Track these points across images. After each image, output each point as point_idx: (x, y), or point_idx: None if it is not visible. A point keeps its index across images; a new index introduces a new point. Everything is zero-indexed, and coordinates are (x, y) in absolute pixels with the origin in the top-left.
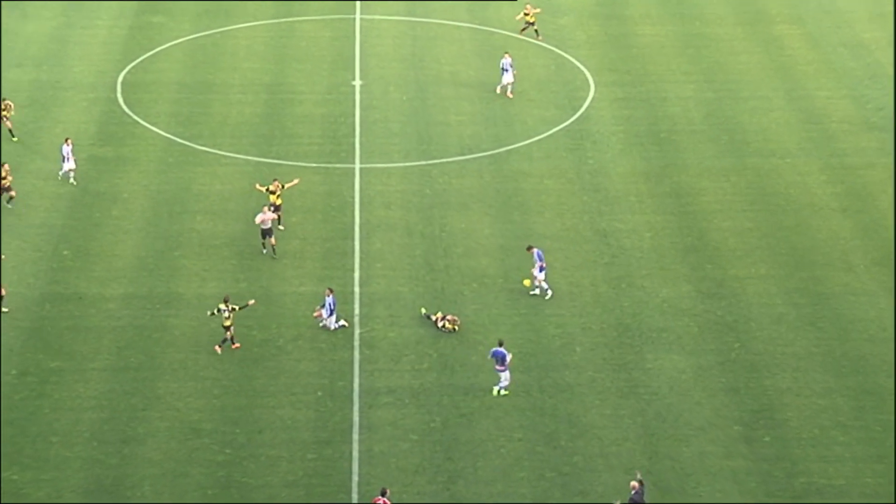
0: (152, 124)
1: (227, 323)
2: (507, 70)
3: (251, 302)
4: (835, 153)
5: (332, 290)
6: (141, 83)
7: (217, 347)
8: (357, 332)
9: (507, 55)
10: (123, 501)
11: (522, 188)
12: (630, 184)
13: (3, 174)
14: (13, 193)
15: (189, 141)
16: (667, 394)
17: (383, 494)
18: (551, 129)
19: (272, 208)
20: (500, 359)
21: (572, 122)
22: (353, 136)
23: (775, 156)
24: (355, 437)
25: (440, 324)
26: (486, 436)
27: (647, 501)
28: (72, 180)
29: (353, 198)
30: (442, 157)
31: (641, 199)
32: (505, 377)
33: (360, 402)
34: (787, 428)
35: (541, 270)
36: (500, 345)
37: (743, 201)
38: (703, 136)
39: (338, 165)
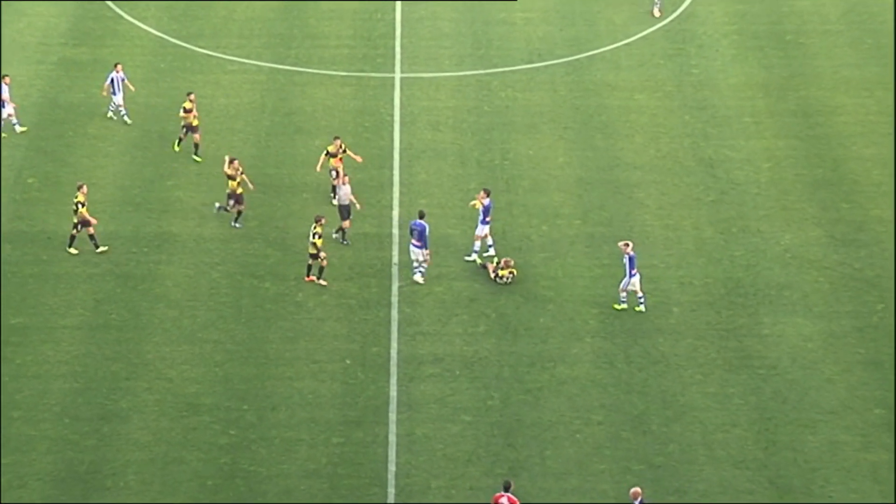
0: (139, 20)
1: (320, 246)
2: None
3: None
4: None
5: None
6: None
7: (319, 280)
8: (395, 286)
9: None
10: (101, 492)
11: (607, 105)
12: (745, 100)
13: None
14: None
15: (186, 42)
16: (788, 367)
17: (507, 489)
18: (645, 29)
19: (334, 175)
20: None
21: (672, 21)
22: (393, 38)
23: None
24: (392, 416)
25: (493, 274)
26: (558, 417)
27: None
28: (17, 127)
29: (391, 116)
30: (504, 65)
31: (759, 120)
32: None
33: (398, 374)
34: None
35: (484, 223)
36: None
37: (889, 122)
38: (841, 39)
39: (373, 75)
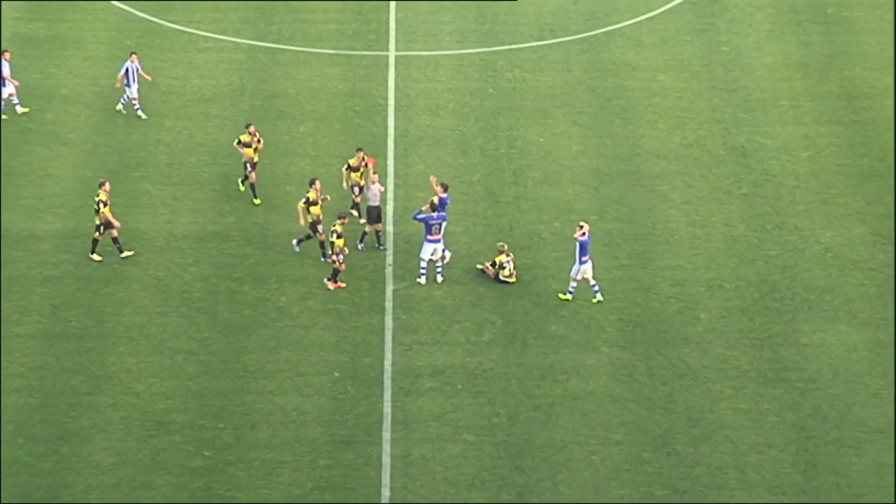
0: None
1: (339, 247)
2: None
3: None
4: None
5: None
6: None
7: (333, 281)
8: (389, 289)
9: None
10: None
11: (627, 87)
12: (781, 81)
13: None
14: None
15: (154, 16)
16: (830, 381)
17: None
18: (669, 1)
19: (355, 189)
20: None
21: None
22: (387, 11)
23: None
24: (386, 436)
25: (493, 274)
26: (572, 437)
27: None
28: (19, 107)
29: (385, 99)
30: (512, 43)
31: (797, 103)
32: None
33: (393, 388)
34: None
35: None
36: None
37: None
38: (889, 13)
39: (365, 53)
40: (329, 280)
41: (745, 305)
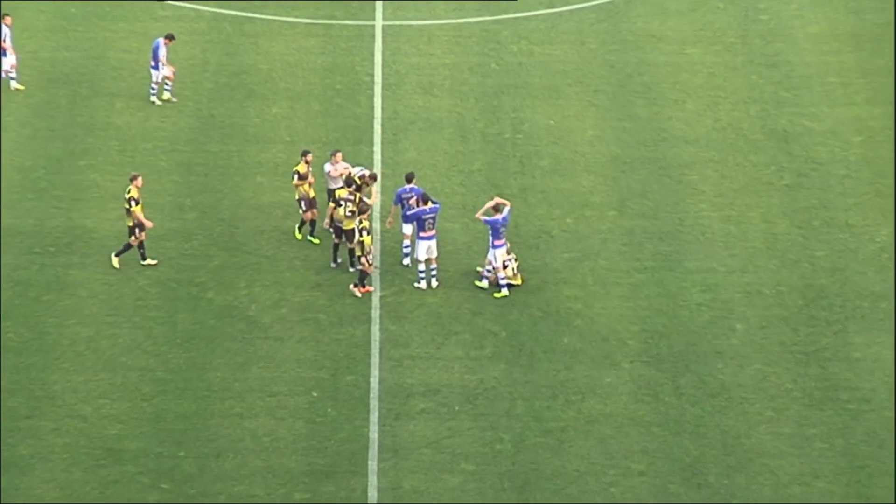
0: None
1: (365, 246)
2: None
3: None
4: None
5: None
6: None
7: (363, 287)
8: (376, 296)
9: None
10: None
11: (650, 61)
12: (828, 54)
13: None
14: None
15: None
16: (885, 401)
17: None
18: None
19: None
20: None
21: None
22: None
23: None
24: (372, 465)
25: (488, 272)
26: (587, 466)
27: None
28: (14, 83)
29: (371, 76)
30: (517, 11)
31: (847, 80)
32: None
33: (380, 410)
34: None
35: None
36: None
37: None
38: None
39: (347, 23)
40: (356, 286)
41: (787, 314)
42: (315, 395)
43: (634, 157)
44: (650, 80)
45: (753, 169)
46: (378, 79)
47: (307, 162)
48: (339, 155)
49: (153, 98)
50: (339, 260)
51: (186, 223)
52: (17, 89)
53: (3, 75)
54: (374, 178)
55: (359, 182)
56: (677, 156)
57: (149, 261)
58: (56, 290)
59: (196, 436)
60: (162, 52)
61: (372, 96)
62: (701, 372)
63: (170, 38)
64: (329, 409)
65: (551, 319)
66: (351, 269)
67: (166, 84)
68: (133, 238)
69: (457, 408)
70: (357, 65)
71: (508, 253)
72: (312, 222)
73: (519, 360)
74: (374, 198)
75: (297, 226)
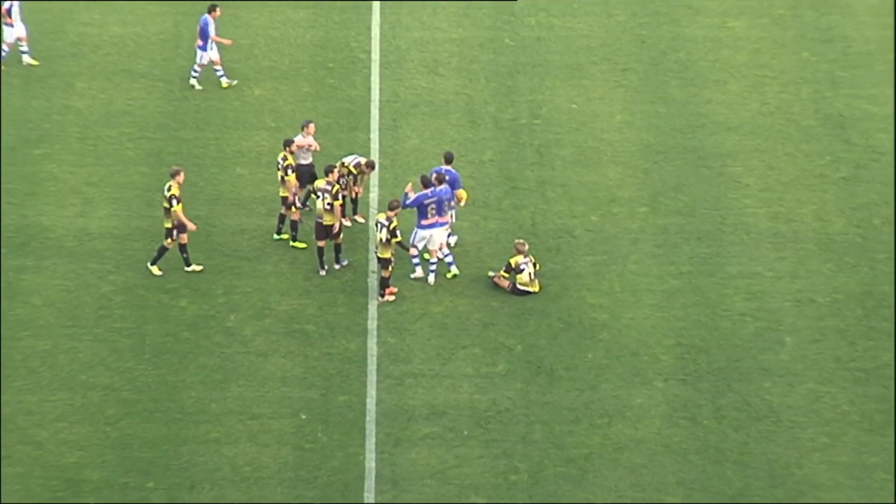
0: None
1: (388, 251)
2: None
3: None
4: None
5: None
6: None
7: (386, 295)
8: (374, 304)
9: None
10: None
11: (687, 36)
12: (889, 28)
13: None
14: None
15: None
16: None
17: None
18: None
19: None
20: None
21: None
22: None
23: None
24: (369, 497)
25: (508, 284)
26: (614, 498)
27: None
28: (27, 56)
29: (367, 53)
30: None
31: None
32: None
33: (378, 435)
34: None
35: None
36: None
37: None
38: None
39: None
40: (382, 295)
41: (844, 326)
42: (303, 417)
43: (669, 146)
44: (687, 58)
45: (805, 159)
46: (375, 56)
47: (292, 151)
48: (312, 126)
49: (193, 82)
50: (326, 267)
51: (156, 221)
52: (30, 65)
53: (7, 51)
54: (371, 166)
55: (355, 171)
56: (718, 144)
57: (193, 267)
58: (7, 298)
59: (167, 464)
60: (211, 30)
61: (368, 76)
62: (745, 392)
63: (214, 10)
64: (319, 434)
65: (573, 332)
66: (337, 266)
67: (216, 69)
68: (169, 240)
69: (465, 433)
70: (352, 40)
71: (526, 256)
72: (294, 224)
73: (536, 378)
74: (359, 189)
75: (279, 226)
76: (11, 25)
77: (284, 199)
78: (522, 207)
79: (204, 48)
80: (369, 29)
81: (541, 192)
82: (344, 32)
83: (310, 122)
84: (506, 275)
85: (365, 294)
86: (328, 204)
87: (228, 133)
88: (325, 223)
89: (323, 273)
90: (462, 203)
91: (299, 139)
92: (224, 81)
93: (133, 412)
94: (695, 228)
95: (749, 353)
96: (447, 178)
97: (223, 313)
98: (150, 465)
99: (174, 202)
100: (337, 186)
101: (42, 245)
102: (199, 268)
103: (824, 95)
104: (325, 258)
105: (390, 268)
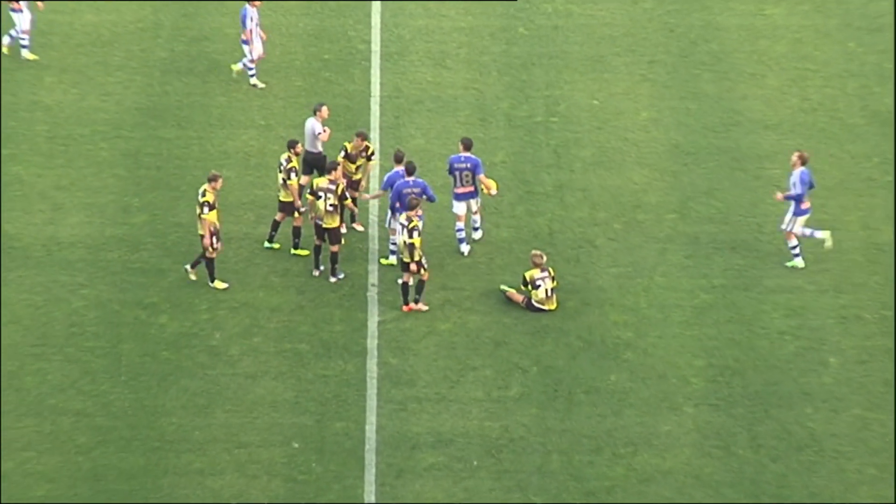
0: None
1: (416, 255)
2: None
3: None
4: None
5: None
6: None
7: (419, 304)
8: (374, 320)
9: None
10: None
11: (720, 25)
12: None
13: None
14: None
15: None
16: None
17: None
18: None
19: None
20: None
21: None
22: None
23: None
24: None
25: (522, 298)
26: None
27: None
28: (25, 49)
29: (368, 44)
30: None
31: None
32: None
33: (378, 465)
34: None
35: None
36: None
37: None
38: None
39: None
40: (413, 303)
41: (893, 345)
42: (296, 446)
43: (700, 147)
44: (719, 49)
45: (851, 161)
46: (376, 47)
47: (297, 153)
48: (325, 109)
49: (254, 80)
50: (322, 267)
51: (133, 229)
52: (28, 59)
53: (11, 39)
54: (362, 136)
55: (353, 152)
56: (754, 144)
57: (217, 283)
58: None
59: (145, 498)
60: (254, 20)
61: (368, 69)
62: (784, 419)
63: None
64: (313, 465)
65: (594, 352)
66: (332, 280)
67: (251, 67)
68: (211, 249)
69: (475, 463)
70: (350, 29)
71: (543, 269)
72: (297, 230)
73: (554, 403)
74: (361, 178)
75: (272, 233)
76: (20, 11)
77: (284, 204)
78: (538, 214)
79: (247, 41)
80: (369, 17)
81: (558, 197)
82: (341, 21)
83: (323, 104)
84: (522, 288)
85: (364, 310)
86: (331, 205)
87: (213, 132)
88: (325, 226)
89: (317, 274)
90: (493, 192)
91: (314, 124)
92: (237, 67)
93: (108, 440)
94: (728, 237)
95: (789, 375)
96: (448, 164)
97: (207, 331)
98: (127, 498)
99: (206, 209)
100: (341, 185)
101: (7, 255)
102: (224, 285)
103: (872, 90)
104: (321, 256)
105: (413, 273)
